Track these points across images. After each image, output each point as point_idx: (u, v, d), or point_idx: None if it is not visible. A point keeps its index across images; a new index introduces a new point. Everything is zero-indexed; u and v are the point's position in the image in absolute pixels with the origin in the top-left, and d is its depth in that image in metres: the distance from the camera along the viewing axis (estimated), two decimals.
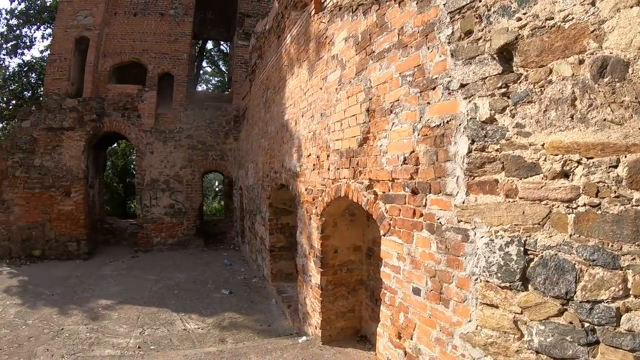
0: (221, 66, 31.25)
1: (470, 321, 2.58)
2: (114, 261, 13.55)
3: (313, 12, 5.69)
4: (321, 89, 5.20)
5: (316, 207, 5.26)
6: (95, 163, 16.34)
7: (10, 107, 23.65)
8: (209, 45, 28.65)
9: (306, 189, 5.76)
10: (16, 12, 23.24)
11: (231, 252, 14.16)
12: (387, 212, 3.53)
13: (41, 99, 15.63)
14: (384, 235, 3.61)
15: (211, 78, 32.83)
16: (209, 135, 15.32)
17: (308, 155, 5.67)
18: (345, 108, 4.37)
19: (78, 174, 14.09)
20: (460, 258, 2.64)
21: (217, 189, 36.49)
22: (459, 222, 2.64)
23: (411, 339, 3.29)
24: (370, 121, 3.79)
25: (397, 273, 3.43)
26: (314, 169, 5.41)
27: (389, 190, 3.47)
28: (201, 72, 29.04)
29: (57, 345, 6.95)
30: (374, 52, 3.79)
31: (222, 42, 27.63)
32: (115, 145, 27.20)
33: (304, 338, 5.94)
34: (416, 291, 3.16)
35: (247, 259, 12.36)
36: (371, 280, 5.28)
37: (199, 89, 25.73)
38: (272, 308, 8.18)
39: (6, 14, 23.43)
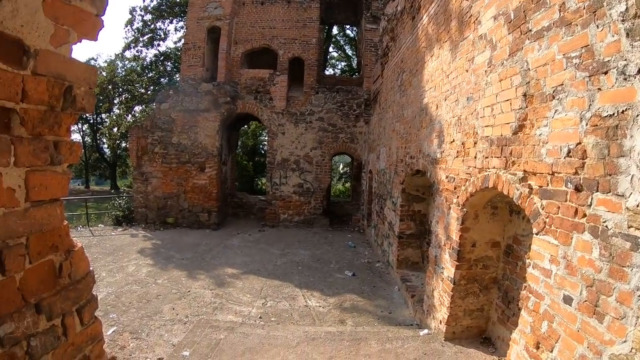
0: (347, 51, 31.37)
1: (625, 342, 2.23)
2: (242, 233, 14.37)
3: None
4: (467, 71, 4.84)
5: (457, 197, 4.93)
6: (228, 142, 17.48)
7: (149, 92, 26.09)
8: (334, 30, 28.89)
9: (447, 177, 5.43)
10: (149, 8, 25.52)
11: (355, 235, 14.25)
12: (542, 209, 3.15)
13: (178, 83, 17.09)
14: (536, 234, 3.23)
15: (337, 63, 33.05)
16: (340, 118, 15.48)
17: (451, 142, 5.32)
18: (497, 92, 3.99)
19: (212, 152, 15.28)
20: (625, 269, 2.27)
21: (341, 171, 36.93)
22: (629, 227, 2.26)
23: (551, 351, 2.95)
24: (527, 107, 3.39)
25: (548, 277, 3.06)
26: (457, 156, 5.06)
27: (547, 185, 3.08)
28: (328, 57, 29.36)
29: (182, 306, 7.51)
30: (530, 30, 3.39)
31: (348, 27, 27.88)
32: (245, 126, 28.93)
33: (426, 331, 5.75)
34: (567, 300, 2.81)
35: (372, 243, 12.30)
36: (506, 280, 4.86)
37: (326, 73, 26.07)
38: (394, 295, 8.06)
39: (140, 11, 25.79)
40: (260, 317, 6.97)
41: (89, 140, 47.81)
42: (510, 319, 4.58)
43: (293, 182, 15.74)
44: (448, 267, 5.15)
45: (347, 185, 30.70)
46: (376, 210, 11.72)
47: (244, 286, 8.67)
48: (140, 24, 25.81)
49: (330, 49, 30.02)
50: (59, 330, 1.67)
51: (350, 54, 30.92)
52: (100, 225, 16.00)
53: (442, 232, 5.52)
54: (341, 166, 38.32)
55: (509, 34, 3.79)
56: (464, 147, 4.85)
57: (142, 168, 15.61)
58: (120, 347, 5.85)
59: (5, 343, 1.37)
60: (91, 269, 1.95)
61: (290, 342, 5.48)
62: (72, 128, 1.71)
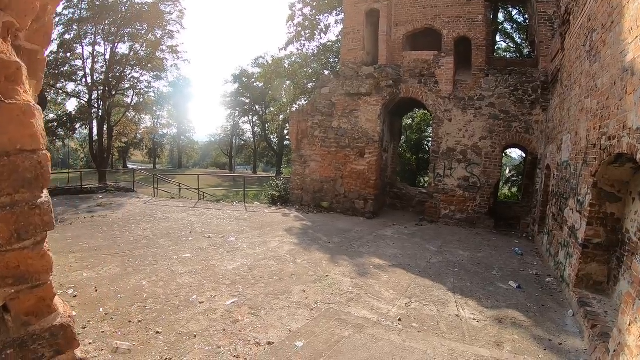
0: (516, 39, 28.85)
1: None
2: (397, 225, 13.62)
3: None
4: None
5: None
6: (391, 129, 17.03)
7: (312, 84, 26.82)
8: (500, 17, 27.21)
9: None
10: (308, 1, 25.85)
11: (523, 241, 12.40)
12: None
13: (338, 68, 17.06)
14: None
15: (505, 54, 30.27)
16: (513, 104, 13.62)
17: None
18: None
19: (373, 137, 14.85)
20: None
21: (507, 175, 34.07)
22: None
23: None
24: None
25: None
26: None
27: None
28: (495, 47, 27.20)
29: (315, 290, 6.97)
30: None
31: (515, 12, 26.42)
32: (410, 121, 28.03)
33: None
34: None
35: (543, 253, 10.49)
36: None
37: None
38: (567, 321, 6.34)
39: (299, 3, 26.13)
40: (399, 320, 5.99)
41: (259, 130, 52.48)
42: None
43: (458, 174, 14.39)
44: None
45: (514, 190, 28.18)
46: (552, 213, 9.86)
47: (389, 280, 7.81)
48: (301, 18, 26.46)
49: (497, 39, 27.94)
50: None
51: (519, 42, 28.42)
52: (256, 203, 16.83)
53: None
54: (507, 170, 34.99)
55: None
56: None
57: (301, 151, 16.00)
58: (233, 321, 5.55)
59: None
60: None
61: None
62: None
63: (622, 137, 5.16)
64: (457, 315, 6.31)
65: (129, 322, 5.25)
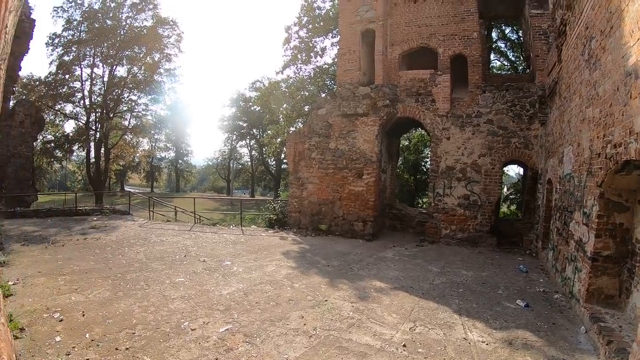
0: (510, 56, 29.24)
1: None
2: (397, 247, 13.34)
3: None
4: None
5: None
6: (388, 149, 16.86)
7: (309, 106, 26.95)
8: (494, 35, 27.49)
9: None
10: (303, 22, 26.11)
11: (527, 258, 12.12)
12: None
13: (335, 89, 17.15)
14: None
15: (500, 72, 30.54)
16: (511, 119, 13.55)
17: None
18: None
19: (371, 158, 14.71)
20: None
21: (506, 192, 33.96)
22: None
23: None
24: None
25: None
26: None
27: None
28: (490, 65, 27.37)
29: (314, 316, 6.67)
30: None
31: (508, 29, 26.75)
32: (407, 142, 27.86)
33: None
34: None
35: (548, 269, 10.21)
36: None
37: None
38: (580, 338, 6.04)
39: (295, 26, 26.34)
40: (404, 345, 5.64)
41: (256, 154, 52.80)
42: None
43: (458, 193, 14.21)
44: None
45: (513, 208, 28.15)
46: (556, 227, 9.64)
47: (391, 304, 7.48)
48: (297, 41, 26.65)
49: (492, 57, 28.16)
50: None
51: (513, 59, 28.81)
52: (252, 226, 16.60)
53: None
54: (505, 188, 34.88)
55: None
56: None
57: (298, 173, 15.84)
58: (226, 349, 5.26)
59: None
60: None
61: None
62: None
63: (629, 143, 4.97)
64: (464, 338, 5.99)
65: (116, 349, 4.96)
